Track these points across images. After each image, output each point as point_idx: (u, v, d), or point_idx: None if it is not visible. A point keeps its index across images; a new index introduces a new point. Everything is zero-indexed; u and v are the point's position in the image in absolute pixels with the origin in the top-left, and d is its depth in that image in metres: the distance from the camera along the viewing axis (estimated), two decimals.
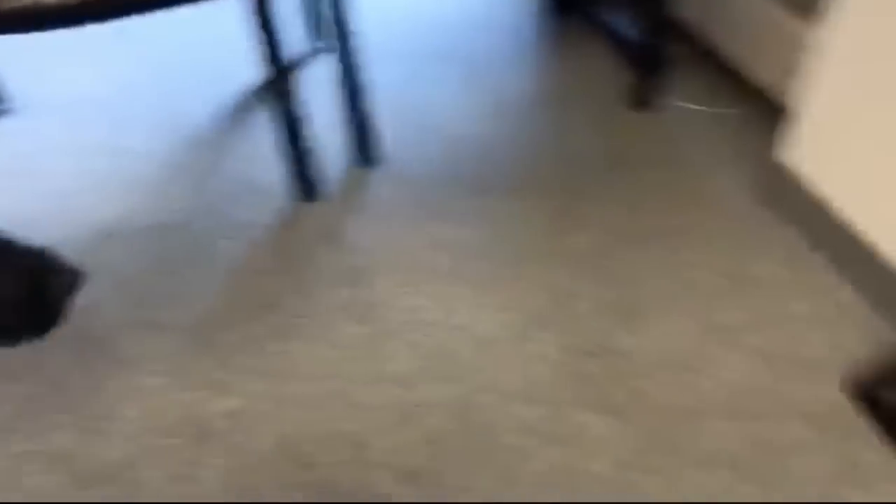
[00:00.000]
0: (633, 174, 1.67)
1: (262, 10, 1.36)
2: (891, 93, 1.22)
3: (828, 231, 1.42)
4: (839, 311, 1.37)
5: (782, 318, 1.37)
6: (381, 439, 1.18)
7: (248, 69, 1.61)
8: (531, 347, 1.32)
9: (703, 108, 1.84)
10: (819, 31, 1.34)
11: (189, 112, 1.87)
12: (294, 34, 1.86)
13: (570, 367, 1.28)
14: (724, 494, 1.12)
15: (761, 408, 1.23)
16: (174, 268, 1.48)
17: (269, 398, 1.25)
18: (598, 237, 1.52)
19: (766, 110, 1.69)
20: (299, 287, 1.43)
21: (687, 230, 1.54)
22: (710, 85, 1.90)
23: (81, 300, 1.27)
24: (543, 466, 1.15)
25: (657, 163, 1.71)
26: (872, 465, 1.15)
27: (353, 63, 1.56)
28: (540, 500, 1.10)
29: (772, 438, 1.19)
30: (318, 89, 1.75)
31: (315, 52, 1.96)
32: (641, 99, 1.87)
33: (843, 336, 1.32)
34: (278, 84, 1.48)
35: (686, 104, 1.85)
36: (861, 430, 1.20)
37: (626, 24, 1.94)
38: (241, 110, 1.88)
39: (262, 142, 1.73)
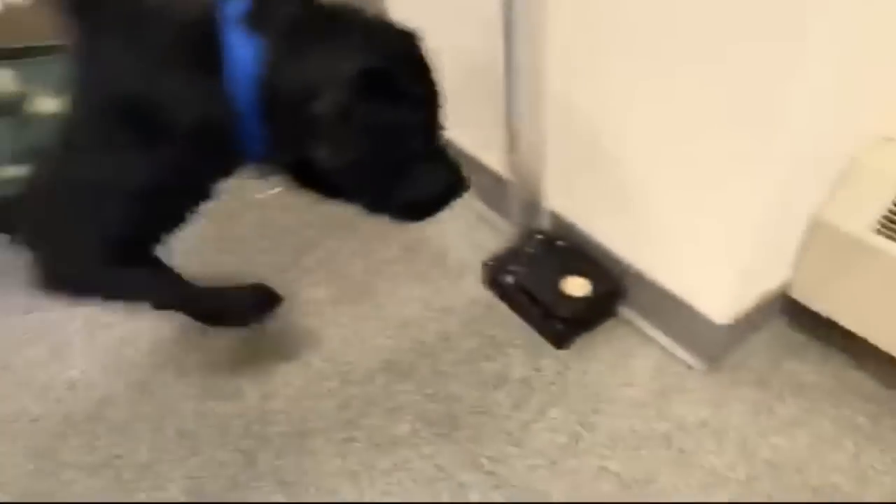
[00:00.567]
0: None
1: None
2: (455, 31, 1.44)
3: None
4: (472, 219, 1.59)
5: (426, 235, 1.56)
6: None
7: None
8: None
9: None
10: None
11: None
12: None
13: None
14: (389, 398, 1.28)
15: (413, 315, 1.41)
16: None
17: None
18: None
19: None
20: None
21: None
22: None
23: None
24: None
25: None
26: (505, 336, 1.37)
27: None
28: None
29: (424, 339, 1.37)
30: None
31: None
32: None
33: (480, 240, 1.54)
34: None
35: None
36: (498, 311, 1.41)
37: None
38: None
39: None
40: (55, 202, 1.01)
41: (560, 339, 1.35)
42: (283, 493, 1.17)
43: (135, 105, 0.93)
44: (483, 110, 1.45)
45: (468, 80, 1.46)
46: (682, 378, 1.28)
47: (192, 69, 0.93)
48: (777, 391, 1.25)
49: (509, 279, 1.40)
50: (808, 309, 1.25)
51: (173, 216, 1.08)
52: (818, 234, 1.17)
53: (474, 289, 1.47)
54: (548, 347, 1.35)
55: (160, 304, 1.21)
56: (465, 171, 1.10)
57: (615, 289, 1.35)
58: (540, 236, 1.47)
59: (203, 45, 0.93)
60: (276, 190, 1.71)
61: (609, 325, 1.38)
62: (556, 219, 1.46)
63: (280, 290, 1.31)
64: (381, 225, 1.10)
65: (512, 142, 1.39)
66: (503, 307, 1.42)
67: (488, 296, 1.45)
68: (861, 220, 1.12)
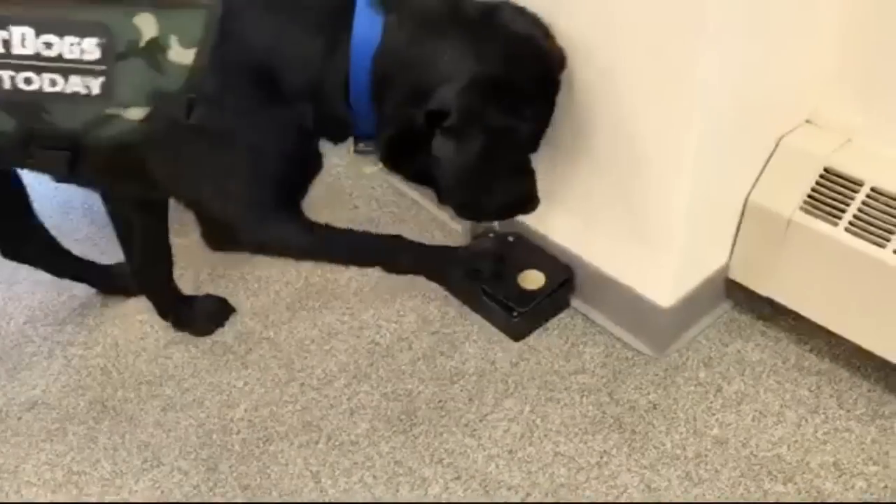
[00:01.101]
0: None
1: None
2: None
3: None
4: (423, 220, 1.62)
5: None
6: None
7: None
8: None
9: None
10: None
11: None
12: None
13: None
14: (348, 400, 1.30)
15: (369, 318, 1.43)
16: None
17: None
18: None
19: None
20: None
21: None
22: None
23: None
24: None
25: None
26: (461, 333, 1.40)
27: None
28: None
29: (380, 340, 1.40)
30: None
31: None
32: None
33: (434, 240, 1.57)
34: None
35: None
36: (454, 309, 1.44)
37: None
38: None
39: None
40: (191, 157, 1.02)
41: (518, 333, 1.38)
42: (246, 496, 1.18)
43: (266, 67, 0.97)
44: None
45: None
46: (632, 363, 1.32)
47: (321, 38, 0.99)
48: (723, 371, 1.29)
49: (462, 276, 1.43)
50: (750, 292, 1.30)
51: (295, 181, 1.09)
52: (749, 215, 1.22)
53: (430, 288, 1.49)
54: (502, 341, 1.38)
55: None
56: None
57: (568, 279, 1.39)
58: (491, 234, 1.50)
59: (335, 18, 0.99)
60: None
61: (561, 316, 1.42)
62: None
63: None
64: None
65: None
66: (459, 305, 1.45)
67: (444, 294, 1.47)
68: (788, 200, 1.17)
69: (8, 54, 0.91)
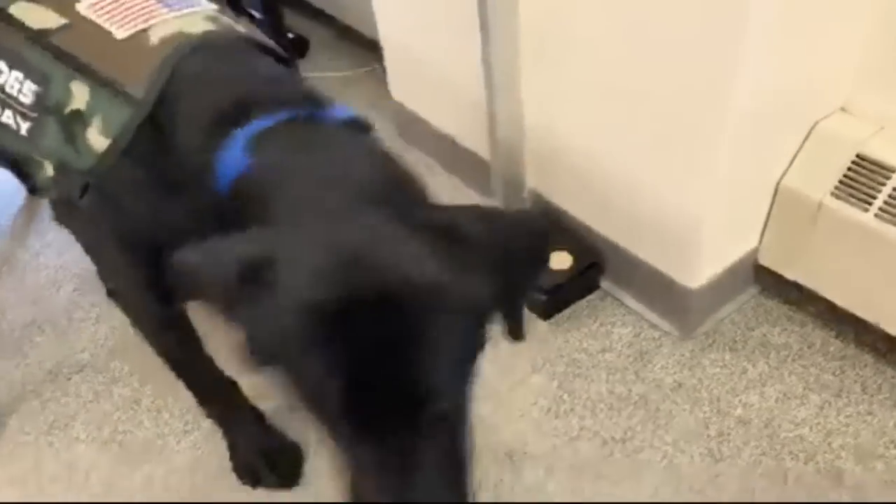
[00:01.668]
0: None
1: None
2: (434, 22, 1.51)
3: (436, 143, 1.70)
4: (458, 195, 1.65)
5: None
6: None
7: None
8: None
9: (334, 73, 2.09)
10: None
11: None
12: None
13: None
14: None
15: None
16: None
17: None
18: None
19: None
20: None
21: None
22: (339, 53, 2.15)
23: None
24: None
25: None
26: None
27: None
28: None
29: None
30: None
31: None
32: None
33: None
34: None
35: (319, 74, 2.09)
36: None
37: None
38: None
39: None
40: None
41: (545, 311, 1.41)
42: None
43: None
44: (464, 96, 1.51)
45: (449, 68, 1.53)
46: (659, 344, 1.35)
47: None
48: (748, 353, 1.31)
49: None
50: (778, 277, 1.32)
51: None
52: (781, 199, 1.23)
53: None
54: (531, 320, 1.41)
55: None
56: None
57: (596, 262, 1.42)
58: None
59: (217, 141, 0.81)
60: None
61: (590, 297, 1.44)
62: (537, 197, 1.52)
63: None
64: None
65: (492, 126, 1.46)
66: None
67: None
68: (820, 185, 1.18)
69: None
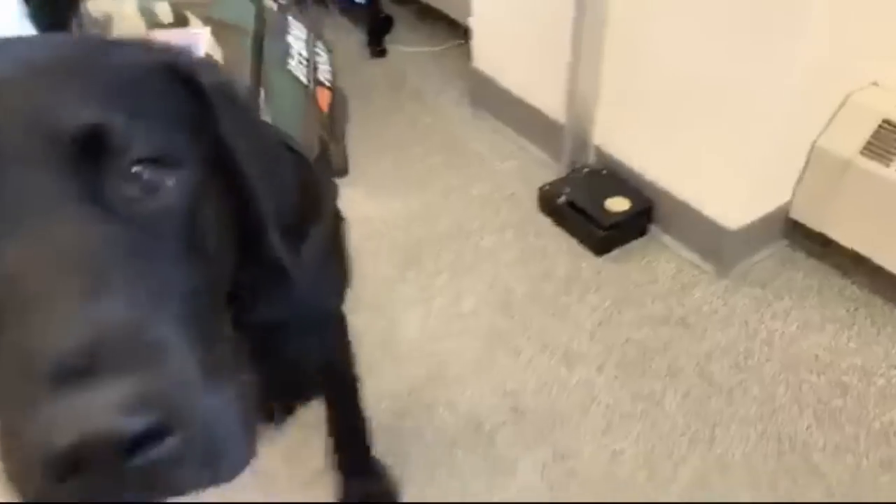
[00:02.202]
0: (369, 102, 2.13)
1: None
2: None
3: (511, 108, 1.94)
4: (526, 160, 1.89)
5: (490, 173, 1.87)
6: None
7: None
8: None
9: (423, 48, 2.34)
10: None
11: None
12: None
13: None
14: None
15: (484, 225, 1.71)
16: None
17: None
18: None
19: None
20: None
21: (414, 130, 2.02)
22: (426, 29, 2.41)
23: None
24: None
25: (389, 91, 2.19)
26: (554, 247, 1.66)
27: None
28: None
29: (487, 245, 1.67)
30: None
31: None
32: (376, 50, 2.34)
33: (532, 175, 1.83)
34: None
35: (410, 48, 2.34)
36: (547, 230, 1.71)
37: None
38: None
39: None
40: None
41: (601, 247, 1.64)
42: None
43: None
44: (549, 63, 1.75)
45: (538, 36, 1.77)
46: (698, 279, 1.57)
47: None
48: (775, 290, 1.53)
49: (561, 199, 1.70)
50: (806, 231, 1.53)
51: None
52: (814, 158, 1.45)
53: (529, 213, 1.76)
54: (586, 255, 1.64)
55: None
56: None
57: (648, 206, 1.64)
58: (586, 169, 1.76)
59: None
60: None
61: (638, 241, 1.67)
62: (600, 153, 1.75)
63: None
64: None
65: (572, 90, 1.69)
66: (552, 226, 1.71)
67: (541, 218, 1.73)
68: (849, 145, 1.40)
69: None
